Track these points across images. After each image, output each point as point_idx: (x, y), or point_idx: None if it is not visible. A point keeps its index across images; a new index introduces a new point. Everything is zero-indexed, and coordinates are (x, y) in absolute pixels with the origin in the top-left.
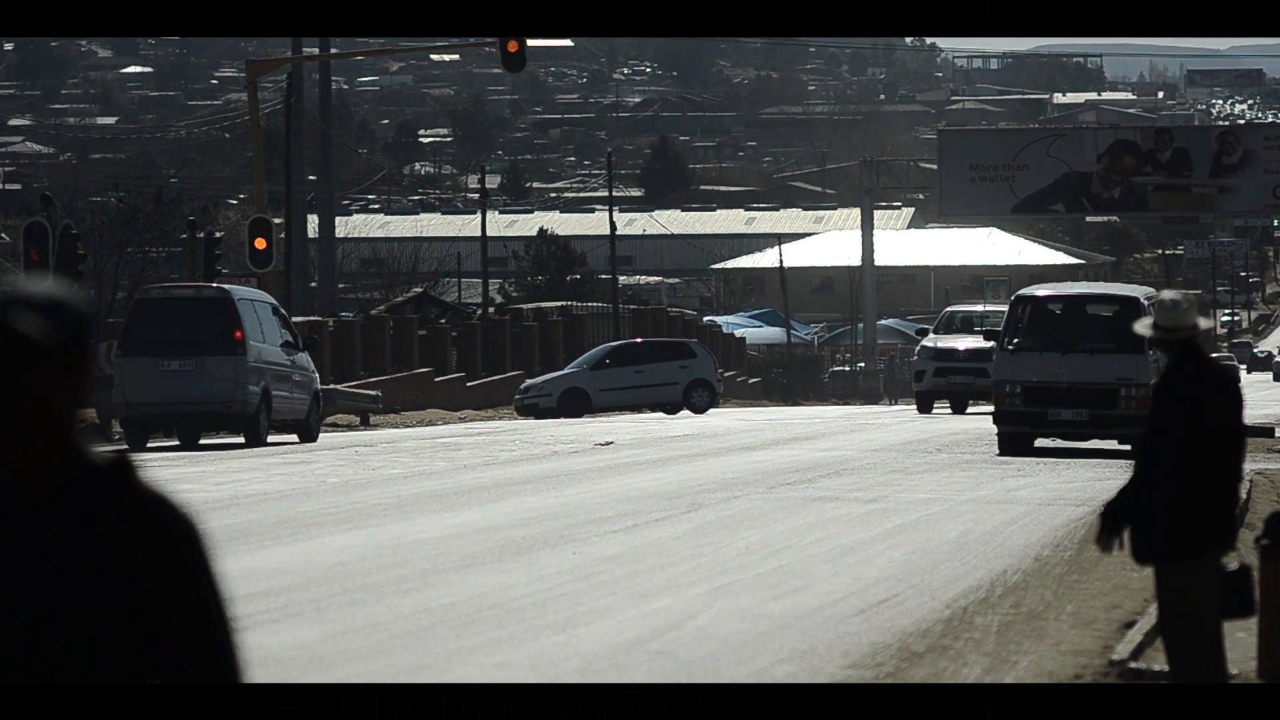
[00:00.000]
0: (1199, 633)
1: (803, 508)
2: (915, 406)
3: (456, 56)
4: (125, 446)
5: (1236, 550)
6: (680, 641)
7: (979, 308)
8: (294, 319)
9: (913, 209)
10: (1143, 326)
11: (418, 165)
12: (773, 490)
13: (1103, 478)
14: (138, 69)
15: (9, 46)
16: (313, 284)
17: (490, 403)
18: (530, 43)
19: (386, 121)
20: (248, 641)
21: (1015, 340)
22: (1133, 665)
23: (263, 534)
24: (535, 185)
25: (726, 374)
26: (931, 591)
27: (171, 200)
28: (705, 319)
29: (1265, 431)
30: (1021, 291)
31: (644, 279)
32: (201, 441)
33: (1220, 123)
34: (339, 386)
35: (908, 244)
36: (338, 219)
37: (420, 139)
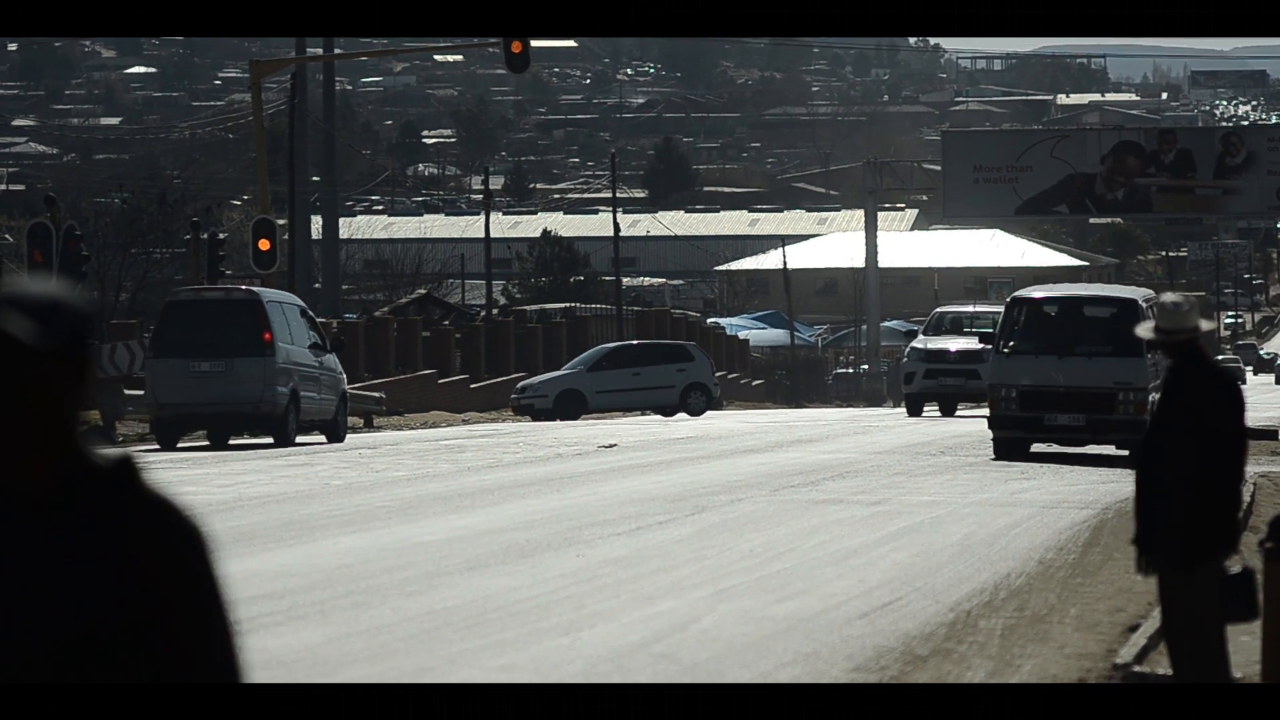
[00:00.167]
0: (1202, 636)
1: (806, 510)
2: (905, 409)
3: (460, 57)
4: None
5: (1239, 554)
6: (684, 644)
7: (969, 308)
8: None
9: (916, 210)
10: (1144, 329)
11: (421, 166)
12: (776, 493)
13: (1106, 481)
14: (141, 69)
15: (13, 47)
16: (316, 285)
17: (494, 404)
18: (534, 43)
19: (390, 122)
20: (252, 644)
21: (1011, 343)
22: (1136, 669)
23: (266, 536)
24: (539, 186)
25: (730, 376)
26: (935, 594)
27: (175, 201)
28: (709, 320)
29: (1268, 434)
30: (1017, 293)
31: (647, 280)
32: (231, 441)
33: (1224, 124)
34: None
35: (911, 245)
36: (341, 220)
37: (424, 140)
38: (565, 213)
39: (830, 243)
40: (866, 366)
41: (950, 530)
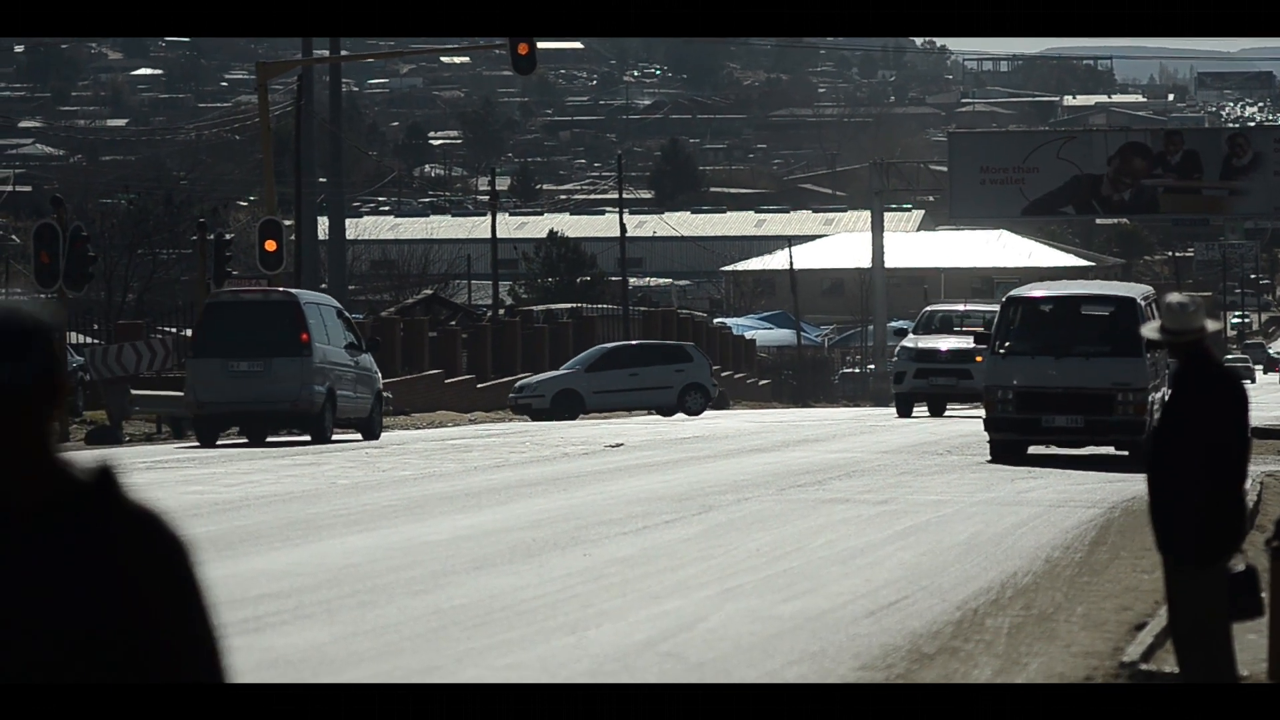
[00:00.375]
0: (1209, 635)
1: (813, 509)
2: (895, 409)
3: (467, 59)
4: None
5: (1243, 551)
6: (691, 643)
7: (959, 307)
8: None
9: (923, 211)
10: (1150, 330)
11: (428, 167)
12: (783, 492)
13: (1113, 480)
14: (148, 71)
15: (19, 49)
16: (323, 286)
17: (500, 404)
18: (540, 45)
19: (396, 124)
20: (259, 643)
21: (1007, 343)
22: (1143, 667)
23: (273, 535)
24: (545, 187)
25: (736, 376)
26: (942, 593)
27: (182, 202)
28: (715, 321)
29: (1275, 434)
30: (1013, 292)
31: (654, 281)
32: (268, 439)
33: (1230, 125)
34: None
35: (918, 246)
36: (348, 221)
37: (430, 141)
38: (571, 213)
39: (837, 243)
40: (873, 366)
41: (957, 529)
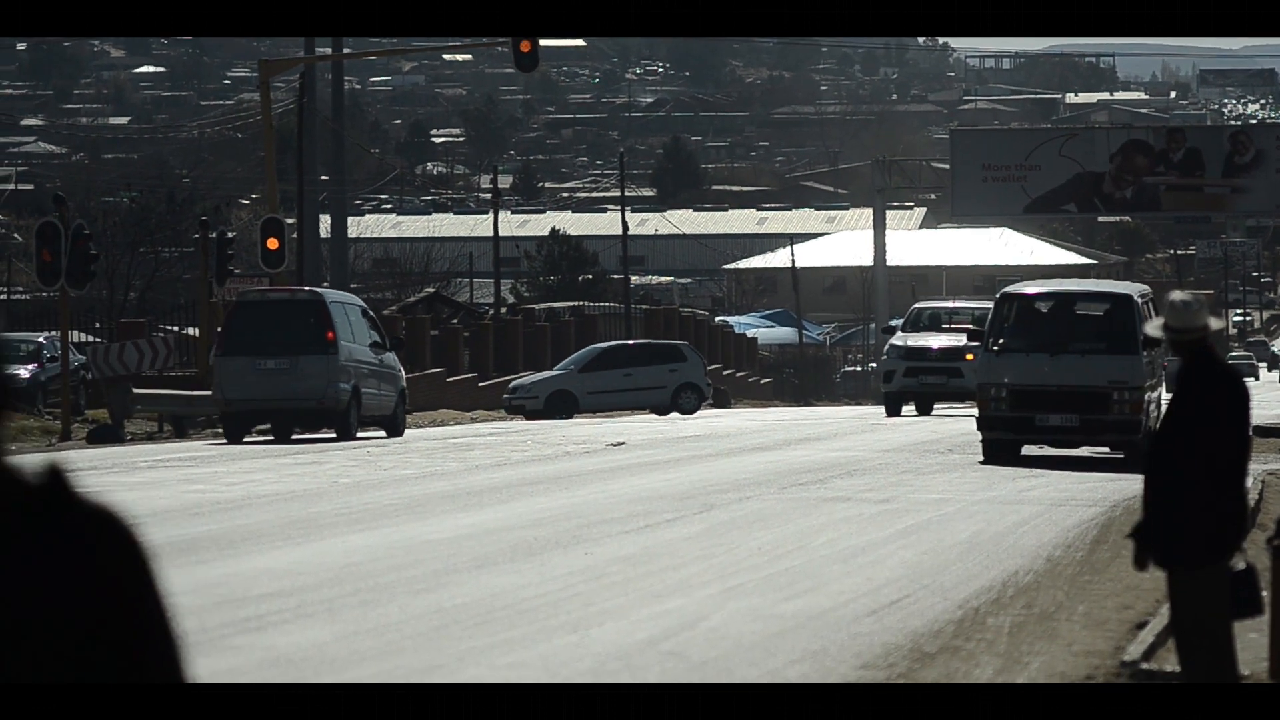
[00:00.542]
0: (1211, 633)
1: (815, 508)
2: (884, 409)
3: (469, 56)
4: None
5: (1243, 550)
6: (692, 642)
7: (948, 304)
8: None
9: (925, 209)
10: (1153, 328)
11: (430, 165)
12: (785, 491)
13: (1114, 478)
14: (150, 69)
15: (21, 47)
16: (325, 284)
17: (502, 403)
18: (542, 43)
19: (399, 121)
20: (260, 641)
21: (1001, 341)
22: (1145, 666)
23: (275, 534)
24: (547, 185)
25: (738, 374)
26: (943, 592)
27: (184, 200)
28: (717, 319)
29: (1277, 432)
30: (1007, 289)
31: (656, 279)
32: (294, 436)
33: (1233, 123)
34: None
35: (920, 244)
36: (350, 219)
37: (433, 139)
38: (574, 211)
39: (838, 241)
40: (875, 365)
41: (958, 528)
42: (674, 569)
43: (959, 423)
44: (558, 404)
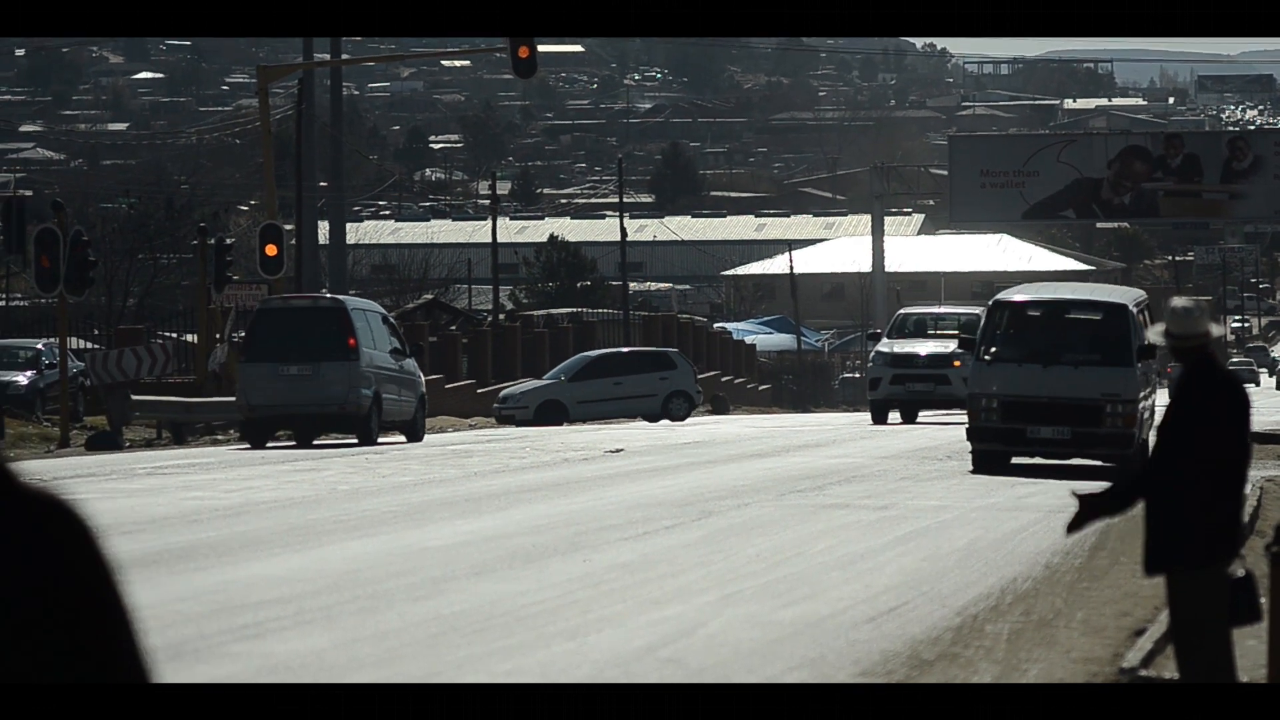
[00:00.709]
0: (1209, 640)
1: (813, 515)
2: (870, 416)
3: (467, 63)
4: None
5: (1242, 557)
6: (691, 649)
7: (933, 309)
8: None
9: (923, 215)
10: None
11: (428, 171)
12: (783, 497)
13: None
14: (149, 75)
15: (20, 52)
16: (323, 290)
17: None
18: (541, 48)
19: (397, 127)
20: (259, 649)
21: (993, 350)
22: (1143, 673)
23: (274, 541)
24: (546, 191)
25: (737, 381)
26: (942, 599)
27: (182, 206)
28: (716, 325)
29: (1275, 439)
30: (999, 296)
31: (654, 285)
32: (315, 442)
33: (1231, 128)
34: None
35: (918, 250)
36: (348, 225)
37: (431, 145)
38: (572, 218)
39: (837, 247)
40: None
41: (956, 535)
42: (672, 576)
43: (956, 430)
44: (547, 414)
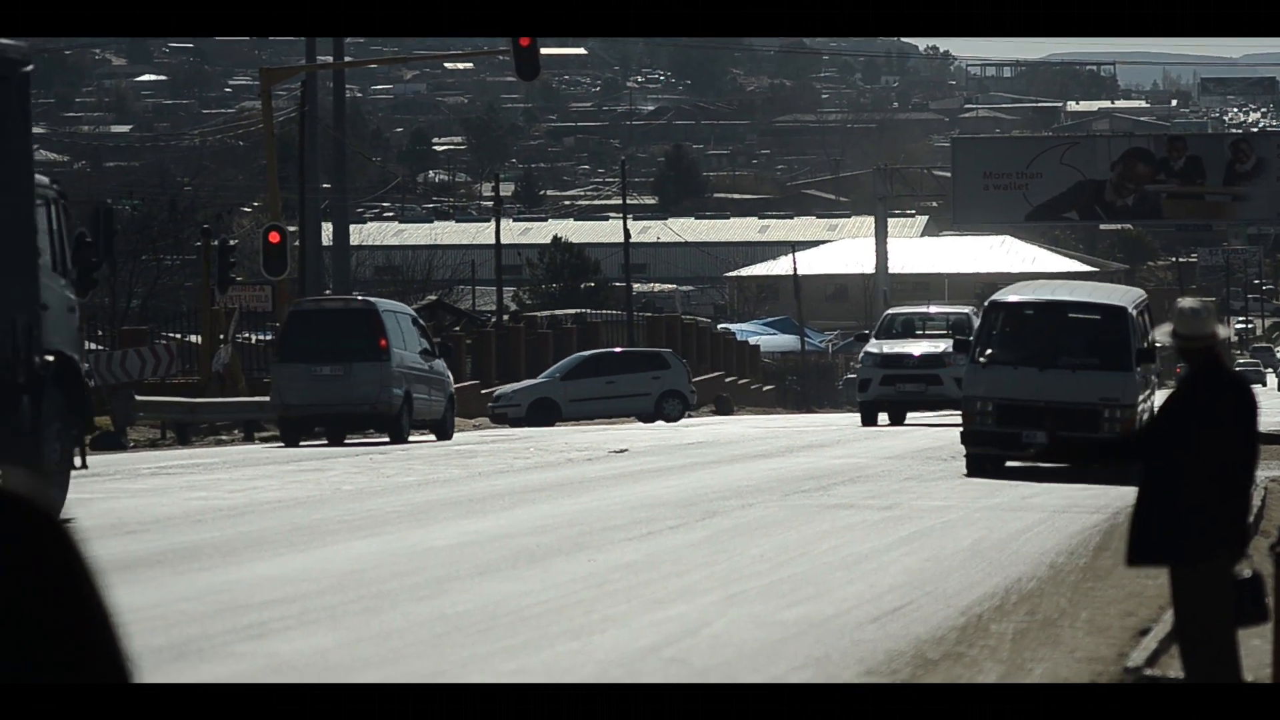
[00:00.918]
0: (1215, 639)
1: (817, 515)
2: (859, 418)
3: (470, 65)
4: None
5: (1249, 557)
6: (695, 649)
7: (922, 309)
8: None
9: (926, 217)
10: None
11: (432, 173)
12: (787, 498)
13: (1117, 486)
14: (152, 77)
15: None
16: (327, 292)
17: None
18: (543, 51)
19: (401, 130)
20: (263, 649)
21: (988, 352)
22: (1148, 672)
23: (278, 541)
24: (549, 193)
25: (740, 382)
26: (946, 599)
27: (186, 208)
28: (719, 326)
29: (1277, 439)
30: (995, 296)
31: (658, 287)
32: (347, 440)
33: (1233, 130)
34: None
35: (921, 252)
36: (352, 227)
37: (434, 147)
38: (576, 219)
39: (840, 249)
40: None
41: (961, 535)
42: (677, 576)
43: (955, 431)
44: (540, 412)
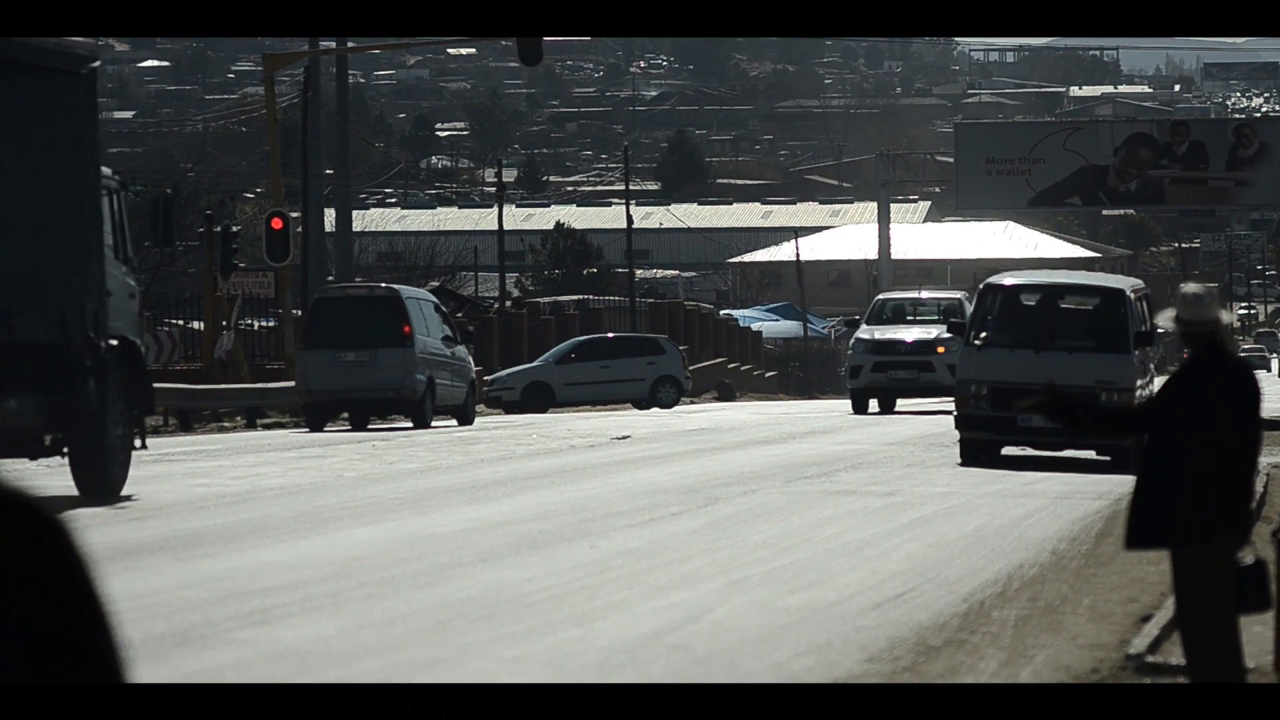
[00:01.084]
0: (1216, 626)
1: (819, 501)
2: (850, 406)
3: (473, 50)
4: None
5: (1252, 544)
6: (697, 635)
7: (912, 294)
8: None
9: (929, 202)
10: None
11: (435, 159)
12: (789, 484)
13: (1120, 472)
14: (154, 63)
15: None
16: (330, 278)
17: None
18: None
19: (403, 115)
20: (265, 635)
21: (983, 334)
22: (1149, 659)
23: (280, 528)
24: (552, 179)
25: (743, 368)
26: (948, 585)
27: (189, 194)
28: (722, 312)
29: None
30: (990, 280)
31: (661, 273)
32: (370, 426)
33: (1237, 116)
34: None
35: (924, 237)
36: (355, 213)
37: (437, 133)
38: (578, 205)
39: (843, 235)
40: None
41: (963, 521)
42: (679, 562)
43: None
44: (534, 396)
